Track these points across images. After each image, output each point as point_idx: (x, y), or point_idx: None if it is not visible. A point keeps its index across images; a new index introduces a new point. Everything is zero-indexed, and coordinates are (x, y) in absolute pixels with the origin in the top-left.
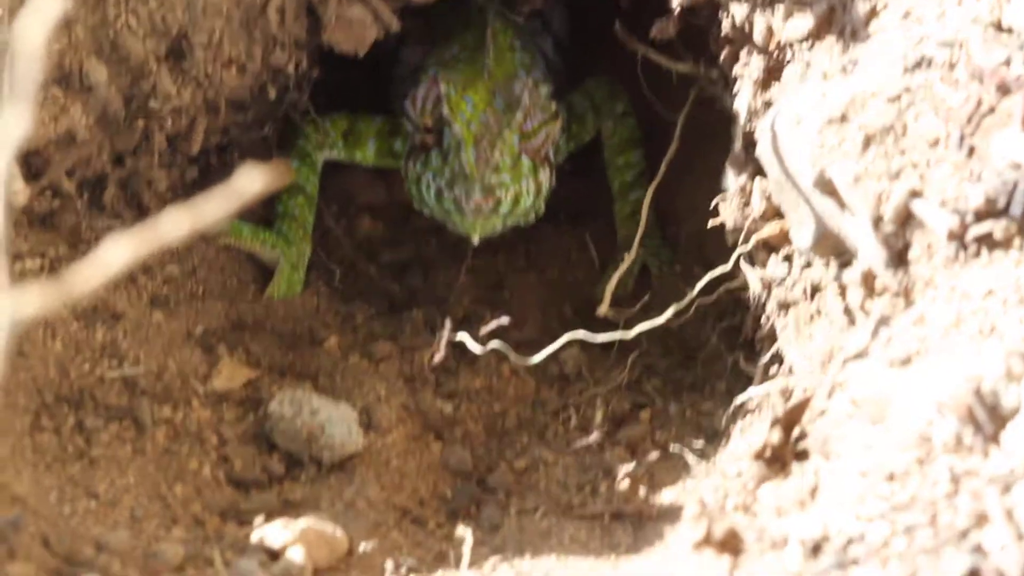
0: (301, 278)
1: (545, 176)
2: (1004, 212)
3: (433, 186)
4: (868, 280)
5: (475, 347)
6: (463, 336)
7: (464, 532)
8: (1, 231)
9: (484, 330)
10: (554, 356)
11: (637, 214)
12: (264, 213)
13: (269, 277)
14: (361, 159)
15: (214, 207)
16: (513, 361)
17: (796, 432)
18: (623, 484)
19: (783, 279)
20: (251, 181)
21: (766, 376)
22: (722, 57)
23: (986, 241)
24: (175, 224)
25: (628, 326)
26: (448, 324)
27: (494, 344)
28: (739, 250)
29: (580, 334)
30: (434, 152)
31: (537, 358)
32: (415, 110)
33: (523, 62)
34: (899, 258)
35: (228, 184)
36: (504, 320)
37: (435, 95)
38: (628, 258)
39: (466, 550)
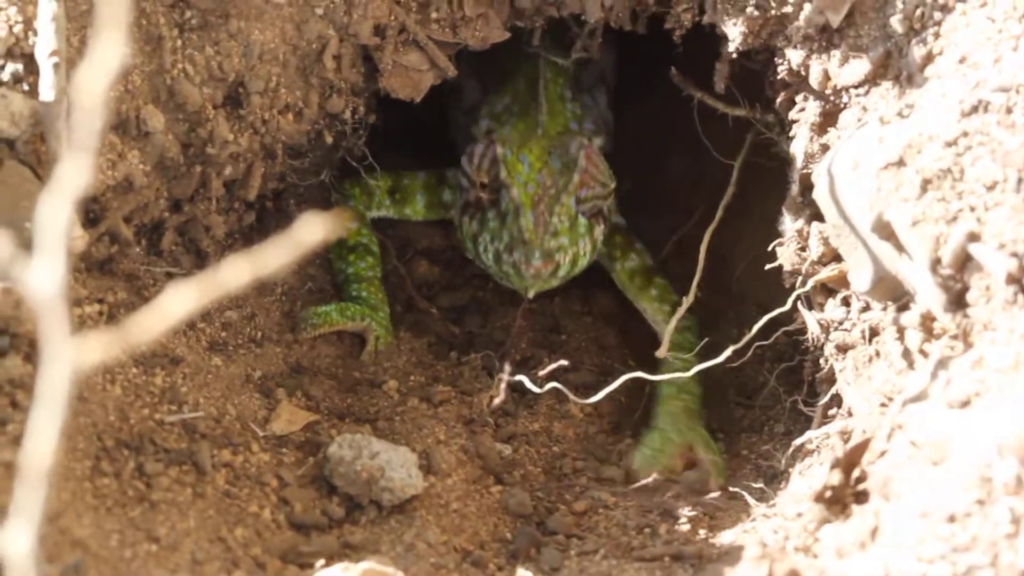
0: (390, 333)
1: (599, 232)
2: None
3: (491, 248)
4: (926, 323)
5: (534, 388)
6: (521, 378)
7: (525, 575)
8: (61, 279)
9: (542, 372)
10: (614, 398)
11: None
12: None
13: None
14: (411, 214)
15: (274, 255)
16: (572, 402)
17: (856, 474)
18: (683, 525)
19: (841, 322)
20: (311, 230)
21: (825, 418)
22: (778, 101)
23: None
24: (236, 272)
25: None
26: (507, 367)
27: (552, 385)
28: (796, 292)
29: (637, 374)
30: (491, 213)
31: (595, 399)
32: (471, 167)
33: (575, 113)
34: (957, 301)
35: (288, 232)
36: (562, 362)
37: (491, 155)
38: (686, 302)
39: None
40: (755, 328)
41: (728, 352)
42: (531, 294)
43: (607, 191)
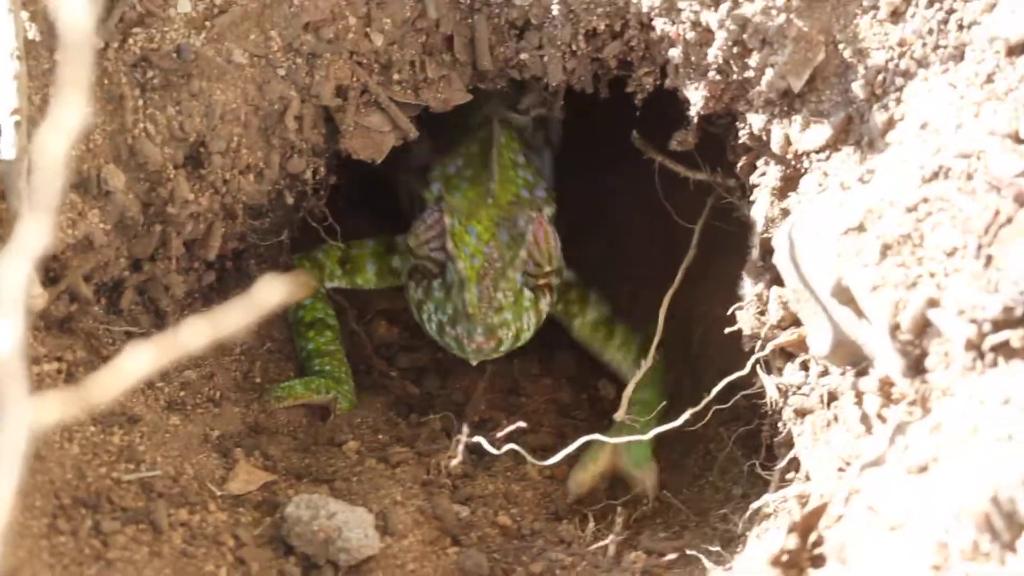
0: (355, 405)
1: (545, 303)
2: (1021, 321)
3: (435, 319)
4: (885, 388)
5: (492, 450)
6: (480, 439)
7: None
8: (20, 338)
9: (500, 434)
10: (572, 460)
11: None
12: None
13: (285, 381)
14: (363, 283)
15: (234, 316)
16: (530, 463)
17: (813, 538)
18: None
19: (800, 386)
20: (271, 291)
21: (783, 481)
22: (739, 166)
23: (1003, 350)
24: (195, 333)
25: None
26: (465, 428)
27: (510, 447)
28: (755, 356)
29: (596, 437)
30: (436, 283)
31: (553, 460)
32: (416, 241)
33: (527, 180)
34: (916, 366)
35: (247, 293)
36: (520, 424)
37: (439, 226)
38: (644, 366)
39: None
40: (713, 391)
41: (687, 415)
42: (474, 362)
43: (545, 271)
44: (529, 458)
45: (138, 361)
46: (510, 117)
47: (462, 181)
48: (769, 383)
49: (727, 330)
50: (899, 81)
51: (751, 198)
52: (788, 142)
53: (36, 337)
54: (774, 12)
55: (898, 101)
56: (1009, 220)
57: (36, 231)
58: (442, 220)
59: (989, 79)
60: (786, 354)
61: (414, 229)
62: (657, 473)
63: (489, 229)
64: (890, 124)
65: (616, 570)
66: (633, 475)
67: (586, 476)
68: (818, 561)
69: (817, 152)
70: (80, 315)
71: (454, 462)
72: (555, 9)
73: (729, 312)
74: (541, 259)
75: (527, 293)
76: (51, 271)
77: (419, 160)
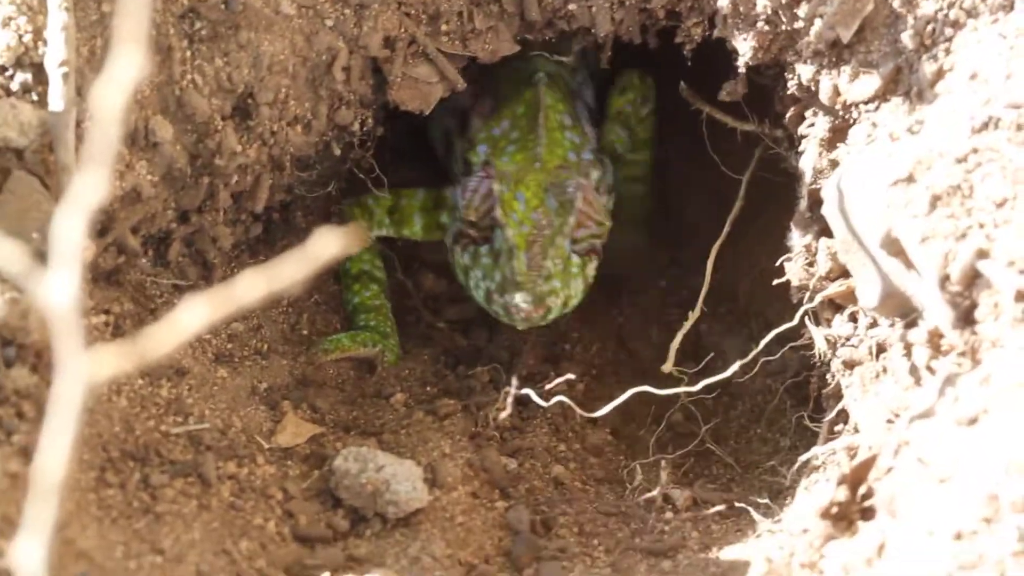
0: (399, 358)
1: (593, 267)
2: None
3: (483, 286)
4: (934, 339)
5: (540, 402)
6: (528, 391)
7: None
8: (75, 291)
9: (548, 386)
10: (620, 411)
11: (633, 207)
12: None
13: (332, 333)
14: (410, 235)
15: (289, 269)
16: (578, 415)
17: (862, 490)
18: (690, 541)
19: (848, 338)
20: (326, 244)
21: (832, 434)
22: (787, 117)
23: None
24: (250, 286)
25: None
26: (514, 381)
27: (559, 399)
28: (804, 308)
29: (644, 388)
30: (483, 249)
31: (602, 412)
32: (463, 202)
33: (573, 143)
34: (966, 317)
35: (302, 246)
36: (569, 376)
37: (486, 189)
38: (692, 316)
39: None
40: (762, 343)
41: (735, 367)
42: (521, 328)
43: (602, 230)
44: (577, 410)
45: (193, 315)
46: (555, 61)
47: (508, 144)
48: (818, 335)
49: (775, 282)
50: (948, 31)
51: (799, 149)
52: (837, 93)
53: (84, 289)
54: None
55: (947, 51)
56: None
57: (92, 185)
58: (489, 185)
59: None
60: (835, 305)
61: (463, 196)
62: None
63: (537, 195)
64: (939, 74)
65: (664, 522)
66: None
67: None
68: (868, 513)
69: (866, 103)
70: (127, 267)
71: (503, 415)
72: None
73: (777, 264)
74: (591, 221)
75: (575, 259)
76: (99, 223)
77: (458, 102)
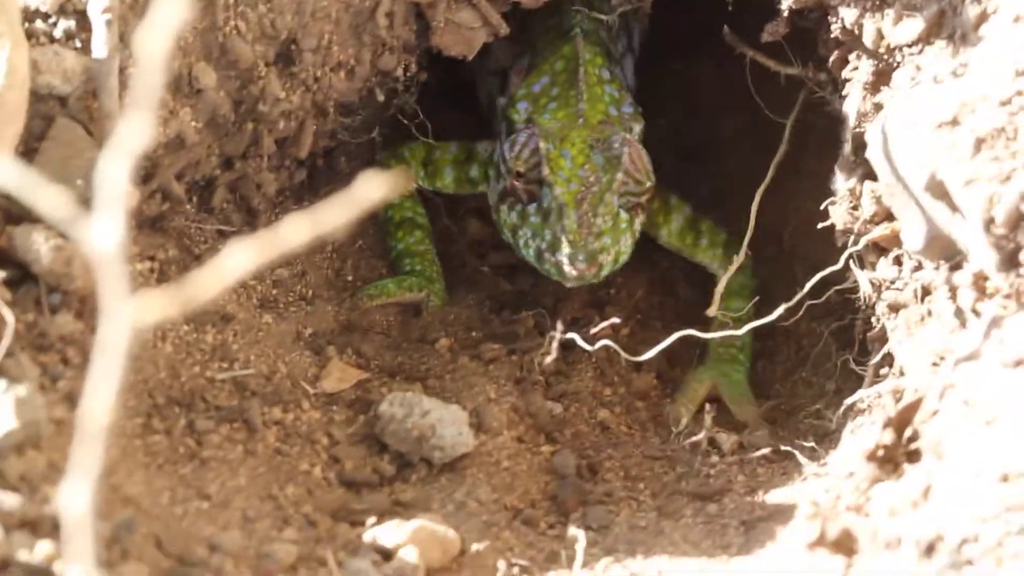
0: (444, 302)
1: (639, 222)
2: None
3: (533, 245)
4: (979, 282)
5: (585, 346)
6: (573, 336)
7: (576, 533)
8: (121, 237)
9: (594, 331)
10: (665, 355)
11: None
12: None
13: (377, 279)
14: (441, 187)
15: (333, 213)
16: (624, 359)
17: (908, 433)
18: (736, 485)
19: (893, 281)
20: (371, 188)
21: (877, 377)
22: (831, 60)
23: None
24: (295, 231)
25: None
26: (559, 325)
27: (604, 343)
28: (849, 251)
29: (689, 332)
30: (531, 208)
31: (647, 356)
32: (511, 155)
33: (613, 96)
34: (1010, 260)
35: (346, 191)
36: (614, 320)
37: (534, 144)
38: (737, 260)
39: (579, 550)
40: (807, 286)
41: (780, 310)
42: (572, 287)
43: (643, 189)
44: (623, 353)
45: (237, 260)
46: (593, 17)
47: (549, 101)
48: (862, 278)
49: (820, 225)
50: None
51: (843, 93)
52: (880, 36)
53: (128, 236)
54: None
55: None
56: None
57: (136, 130)
58: (535, 142)
59: None
60: (879, 249)
61: (511, 150)
62: (756, 406)
63: (583, 152)
64: (983, 17)
65: (709, 465)
66: (733, 410)
67: (684, 409)
68: (914, 456)
69: (910, 46)
70: (172, 214)
71: (548, 359)
72: None
73: (822, 207)
74: (637, 179)
75: (623, 215)
76: (143, 169)
77: (499, 62)
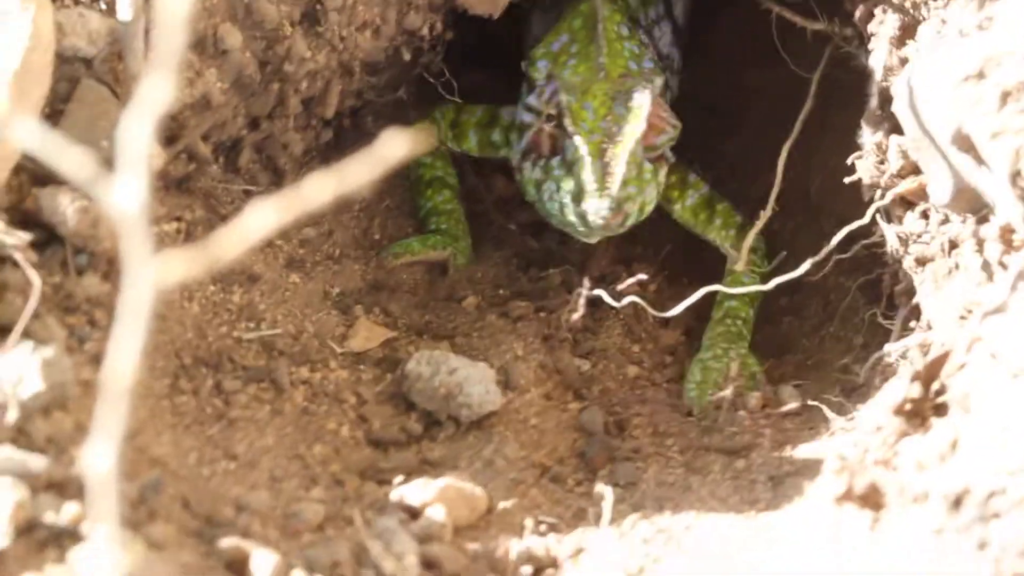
0: (472, 262)
1: (663, 174)
2: None
3: (557, 198)
4: (1006, 235)
5: (612, 303)
6: (600, 292)
7: (604, 490)
8: (143, 196)
9: (621, 287)
10: (693, 312)
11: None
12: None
13: (404, 238)
14: (467, 150)
15: (357, 171)
16: (651, 316)
17: (936, 386)
18: (761, 440)
19: (920, 235)
20: (395, 146)
21: (904, 331)
22: (857, 15)
23: None
24: (319, 189)
25: (765, 280)
26: (586, 282)
27: (631, 299)
28: (875, 205)
29: (716, 287)
30: (555, 161)
31: (673, 312)
32: (539, 101)
33: (632, 52)
34: None
35: (370, 149)
36: (641, 277)
37: (555, 100)
38: (763, 216)
39: (606, 507)
40: (833, 241)
41: (807, 265)
42: (593, 240)
43: (673, 135)
44: (650, 310)
45: (261, 218)
46: None
47: (569, 58)
48: (889, 232)
49: (846, 179)
50: None
51: (869, 47)
52: None
53: (155, 197)
54: None
55: None
56: None
57: (158, 90)
58: (558, 96)
59: None
60: (906, 202)
61: (535, 96)
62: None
63: (605, 104)
64: None
65: (737, 421)
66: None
67: (700, 399)
68: (941, 409)
69: (935, 0)
70: (198, 174)
71: (575, 316)
72: None
73: (848, 161)
74: (661, 128)
75: (647, 165)
76: (169, 131)
77: (537, 32)
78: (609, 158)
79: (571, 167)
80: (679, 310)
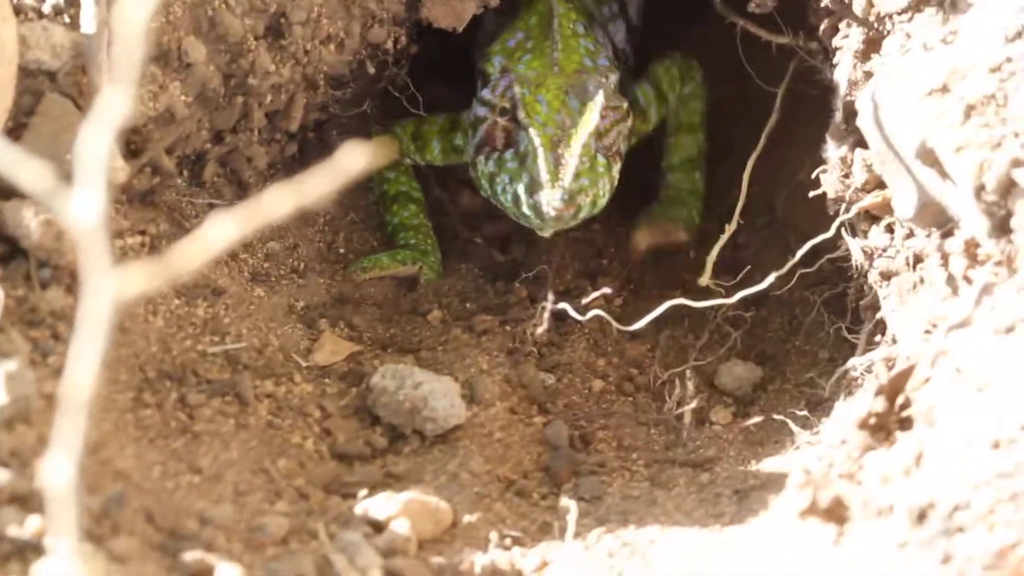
0: (439, 275)
1: (616, 170)
2: None
3: (510, 190)
4: (970, 249)
5: (577, 316)
6: (565, 306)
7: (568, 504)
8: (102, 208)
9: (586, 300)
10: (657, 325)
11: (676, 193)
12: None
13: (369, 252)
14: (431, 160)
15: (317, 184)
16: (616, 329)
17: (900, 400)
18: (729, 455)
19: (885, 248)
20: (354, 158)
21: (869, 344)
22: (821, 29)
23: None
24: (279, 201)
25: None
26: (550, 296)
27: (595, 313)
28: (840, 219)
29: (681, 301)
30: (508, 154)
31: (638, 325)
32: (494, 95)
33: (588, 49)
34: (1002, 227)
35: (330, 161)
36: (606, 291)
37: (509, 93)
38: (729, 229)
39: (571, 520)
40: (798, 255)
41: (771, 278)
42: (547, 234)
43: (622, 114)
44: (614, 324)
45: (221, 231)
46: None
47: (524, 53)
48: (854, 246)
49: (812, 194)
50: None
51: (834, 61)
52: (870, 4)
53: (119, 211)
54: None
55: None
56: None
57: (117, 102)
58: (512, 90)
59: None
60: (871, 216)
61: (488, 90)
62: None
63: (559, 97)
64: None
65: (702, 434)
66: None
67: (646, 237)
68: (906, 424)
69: (899, 13)
70: (163, 188)
71: (540, 330)
72: None
73: (813, 175)
74: (611, 113)
75: (600, 159)
76: (132, 144)
77: (488, 36)
78: (562, 150)
79: (524, 159)
80: (644, 323)
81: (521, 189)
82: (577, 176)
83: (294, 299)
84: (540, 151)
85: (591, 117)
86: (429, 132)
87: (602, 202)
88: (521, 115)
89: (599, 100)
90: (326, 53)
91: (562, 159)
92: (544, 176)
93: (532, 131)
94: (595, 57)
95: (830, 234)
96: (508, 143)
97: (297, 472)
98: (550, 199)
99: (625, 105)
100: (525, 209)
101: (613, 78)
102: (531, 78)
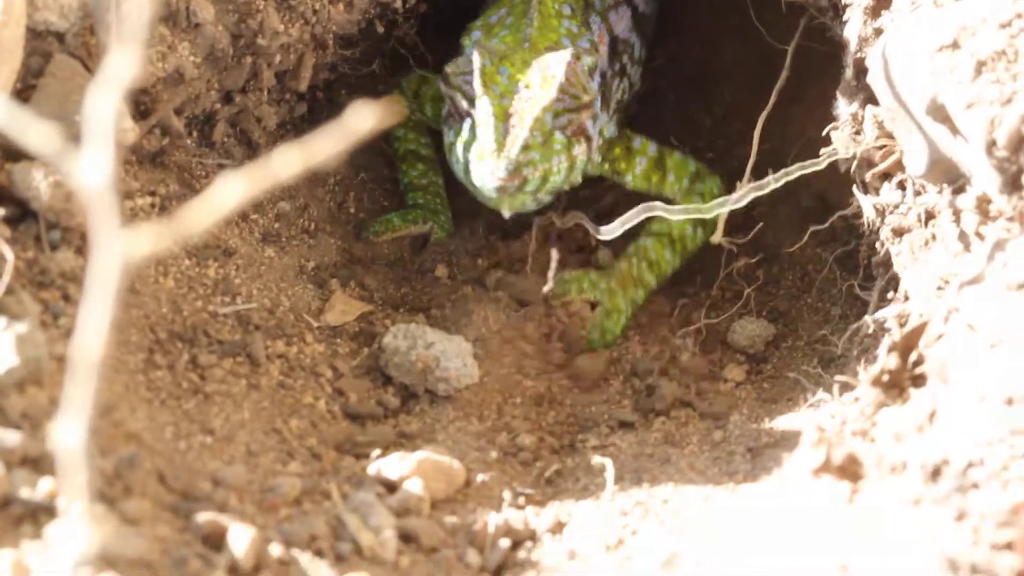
0: (450, 233)
1: (581, 150)
2: None
3: (462, 158)
4: (982, 205)
5: (559, 222)
6: (581, 215)
7: (604, 461)
8: (110, 169)
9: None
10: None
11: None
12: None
13: (380, 212)
14: (427, 121)
15: (326, 144)
16: (591, 232)
17: (913, 357)
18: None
19: (897, 206)
20: (362, 118)
21: (882, 302)
22: None
23: None
24: (287, 161)
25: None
26: (554, 253)
27: (577, 218)
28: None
29: (656, 205)
30: (466, 124)
31: (611, 229)
32: (454, 68)
33: (569, 31)
34: (1013, 182)
35: (339, 121)
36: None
37: (469, 64)
38: (740, 188)
39: (609, 478)
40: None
41: (745, 191)
42: (506, 214)
43: (580, 103)
44: (591, 228)
45: (230, 191)
46: None
47: (502, 29)
48: (866, 203)
49: (822, 151)
50: None
51: (844, 18)
52: None
53: (129, 171)
54: None
55: None
56: None
57: (125, 63)
58: (474, 61)
59: None
60: (883, 174)
61: (449, 67)
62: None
63: (521, 71)
64: None
65: (716, 390)
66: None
67: (567, 288)
68: (919, 380)
69: None
70: (172, 149)
71: (546, 288)
72: None
73: (824, 132)
74: (573, 93)
75: (559, 136)
76: (142, 105)
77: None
78: (515, 122)
79: (477, 129)
80: (616, 228)
81: (472, 157)
82: (527, 148)
83: (305, 259)
84: (491, 120)
85: (547, 92)
86: (425, 94)
87: (556, 179)
88: (477, 83)
89: (559, 77)
90: (335, 12)
91: (513, 130)
92: (490, 145)
93: (484, 99)
94: (575, 39)
95: (821, 165)
96: (468, 114)
97: (309, 432)
98: (494, 168)
99: (586, 98)
100: (472, 178)
101: (588, 60)
102: (498, 51)
